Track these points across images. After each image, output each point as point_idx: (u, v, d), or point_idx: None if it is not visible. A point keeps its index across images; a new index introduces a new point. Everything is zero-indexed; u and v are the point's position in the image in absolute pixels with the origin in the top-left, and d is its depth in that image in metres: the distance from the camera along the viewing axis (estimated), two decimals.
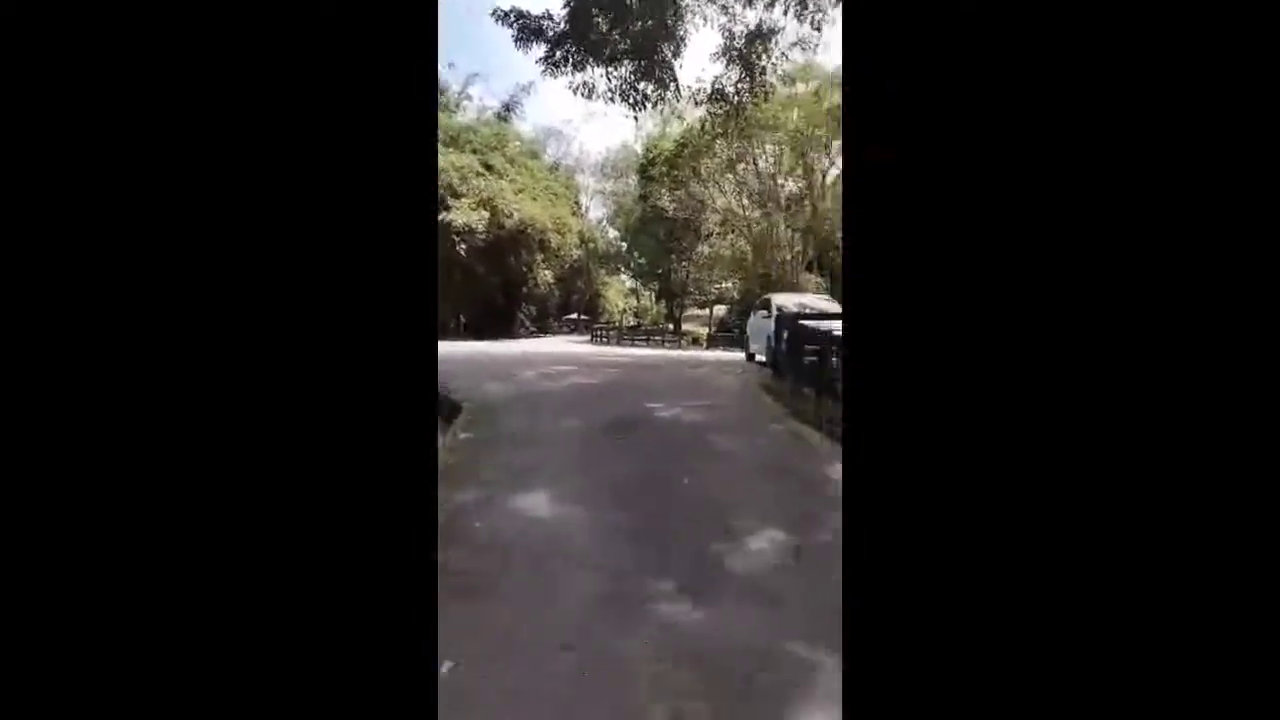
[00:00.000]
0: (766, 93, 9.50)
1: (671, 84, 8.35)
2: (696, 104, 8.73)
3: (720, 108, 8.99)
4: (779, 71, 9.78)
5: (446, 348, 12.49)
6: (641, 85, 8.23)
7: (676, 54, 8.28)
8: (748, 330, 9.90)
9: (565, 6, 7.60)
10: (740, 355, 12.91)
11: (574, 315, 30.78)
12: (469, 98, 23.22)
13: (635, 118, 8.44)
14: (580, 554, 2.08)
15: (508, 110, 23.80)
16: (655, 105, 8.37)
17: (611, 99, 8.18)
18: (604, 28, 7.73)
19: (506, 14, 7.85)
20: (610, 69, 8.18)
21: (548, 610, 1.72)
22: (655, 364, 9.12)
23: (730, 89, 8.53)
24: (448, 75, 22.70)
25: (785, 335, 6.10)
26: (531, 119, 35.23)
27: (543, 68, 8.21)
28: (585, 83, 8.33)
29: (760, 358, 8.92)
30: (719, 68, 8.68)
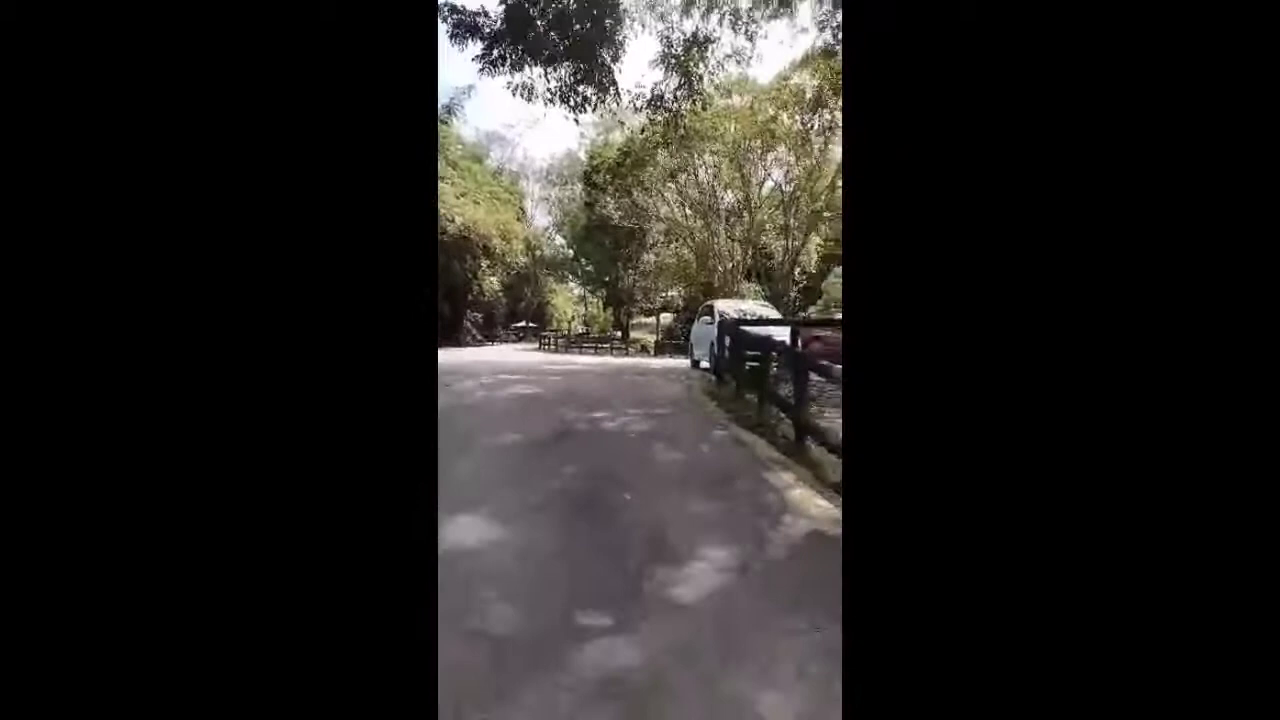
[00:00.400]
0: (704, 102, 9.59)
1: (611, 88, 8.23)
2: (636, 109, 8.66)
3: (660, 114, 8.96)
4: (715, 81, 9.93)
5: None
6: (581, 88, 8.07)
7: (615, 59, 8.18)
8: (691, 337, 9.88)
9: (501, 4, 7.35)
10: (686, 362, 12.97)
11: (522, 323, 30.10)
12: None
13: (576, 120, 8.26)
14: (508, 584, 1.85)
15: (447, 112, 22.87)
16: (595, 109, 8.22)
17: (551, 100, 7.97)
18: (542, 28, 7.52)
19: (440, 8, 7.51)
20: (549, 69, 7.98)
21: (469, 653, 1.48)
22: (602, 371, 8.91)
23: (669, 95, 8.52)
24: None
25: (727, 341, 6.06)
26: (473, 122, 34.34)
27: (480, 66, 7.91)
28: (524, 84, 8.09)
29: (704, 364, 8.91)
30: (658, 74, 8.68)
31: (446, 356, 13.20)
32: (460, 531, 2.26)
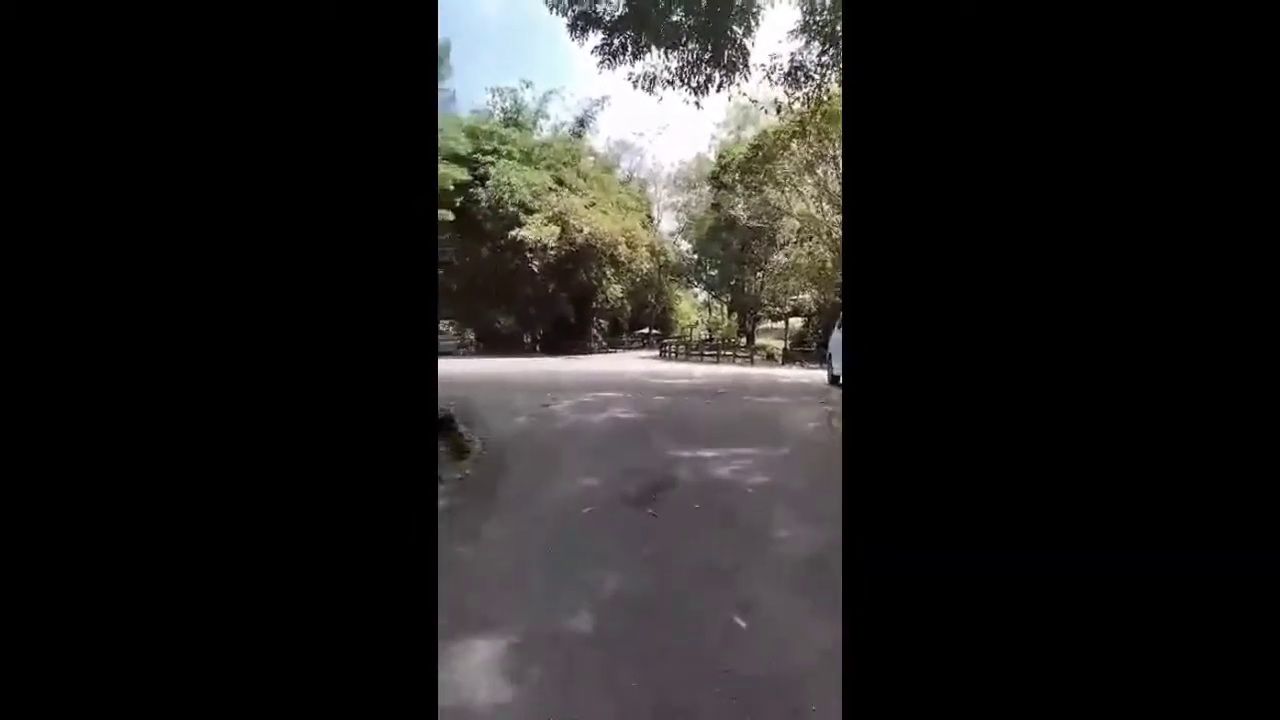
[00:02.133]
0: None
1: (741, 64, 7.05)
2: (772, 82, 7.34)
3: (799, 89, 7.54)
4: None
5: (501, 365, 11.78)
6: (706, 67, 7.01)
7: (748, 33, 6.99)
8: (830, 348, 8.20)
9: None
10: (820, 374, 11.12)
11: (645, 330, 29.89)
12: (545, 115, 23.05)
13: (698, 104, 7.19)
14: None
15: (581, 125, 23.44)
16: (721, 88, 7.09)
17: (672, 83, 7.00)
18: (664, 4, 6.61)
19: (558, 2, 6.99)
20: (671, 52, 7.04)
21: None
22: (720, 387, 7.70)
23: (810, 64, 7.07)
24: (524, 94, 22.70)
25: None
26: (605, 132, 35.14)
27: (600, 58, 7.25)
28: (646, 73, 7.26)
29: (840, 377, 7.28)
30: (797, 44, 7.29)
31: (566, 365, 12.90)
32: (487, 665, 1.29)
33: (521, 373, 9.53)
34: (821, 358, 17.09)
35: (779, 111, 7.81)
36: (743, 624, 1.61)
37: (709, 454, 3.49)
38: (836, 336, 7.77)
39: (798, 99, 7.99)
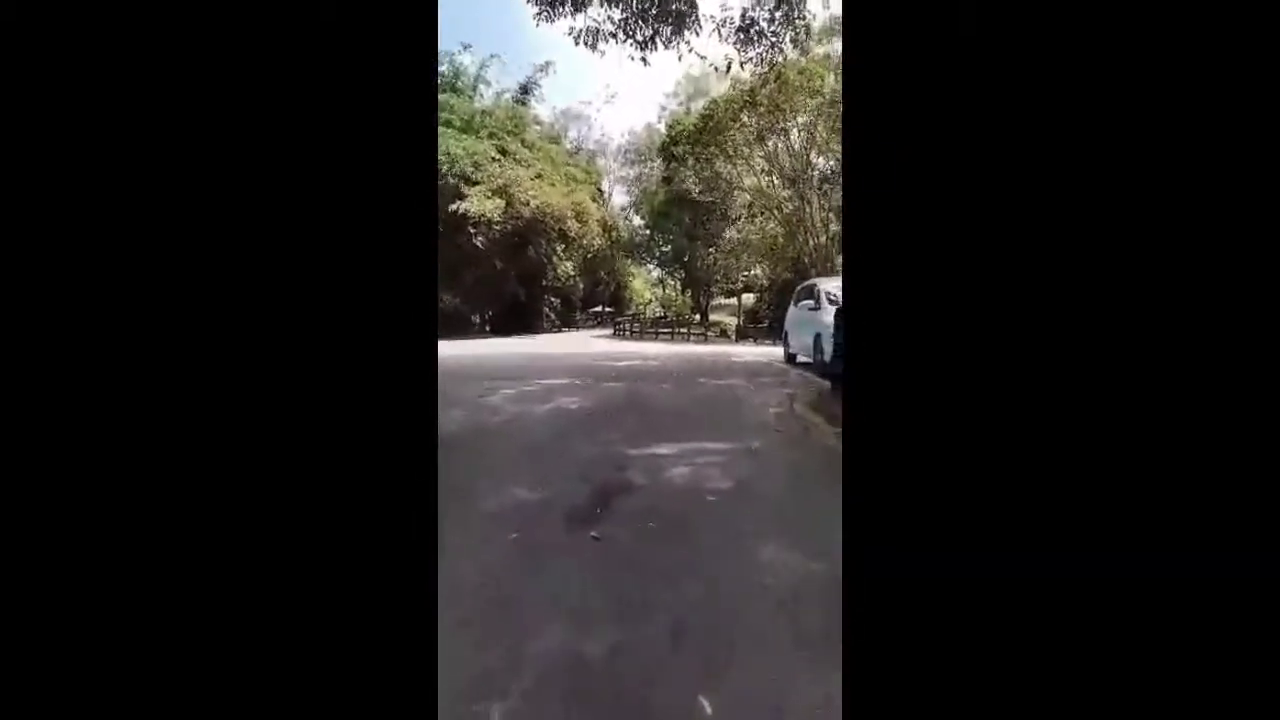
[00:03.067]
0: (807, 28, 7.51)
1: (691, 20, 6.45)
2: (721, 37, 6.78)
3: (751, 49, 7.02)
4: (813, 19, 7.92)
5: (445, 349, 10.87)
6: (654, 21, 6.36)
7: None
8: (786, 324, 7.93)
9: None
10: (776, 351, 10.93)
11: (599, 308, 29.18)
12: (486, 81, 21.46)
13: (644, 59, 6.55)
14: None
15: (525, 93, 22.02)
16: (671, 44, 6.48)
17: (615, 35, 6.33)
18: None
19: None
20: (615, 4, 6.34)
21: None
22: (675, 368, 7.30)
23: (764, 20, 6.55)
24: (464, 58, 21.03)
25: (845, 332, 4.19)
26: (551, 100, 33.15)
27: (538, 9, 6.46)
28: (589, 27, 6.52)
29: (803, 357, 7.01)
30: (749, 0, 6.74)
31: (515, 347, 12.15)
32: None
33: (464, 356, 8.77)
34: (777, 334, 17.14)
35: (728, 70, 7.26)
36: (708, 708, 1.17)
37: (665, 451, 3.05)
38: (792, 313, 7.49)
39: (750, 59, 7.48)
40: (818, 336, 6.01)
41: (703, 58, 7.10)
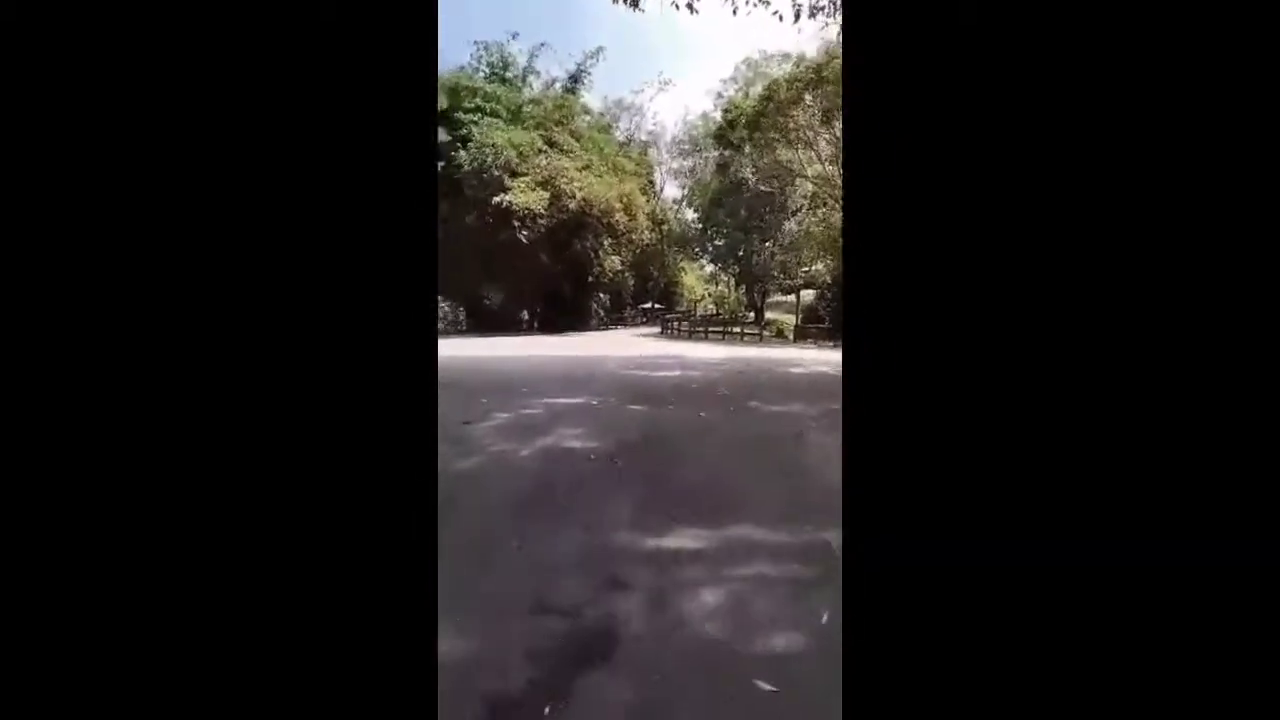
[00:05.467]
0: None
1: None
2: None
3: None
4: None
5: (477, 347, 9.69)
6: None
7: None
8: None
9: None
10: (839, 355, 9.31)
11: (649, 304, 28.04)
12: (535, 71, 20.71)
13: (691, 6, 5.26)
14: None
15: (575, 81, 21.09)
16: None
17: None
18: None
19: None
20: None
21: None
22: (722, 381, 5.98)
23: None
24: (513, 47, 20.37)
25: None
26: (602, 90, 31.88)
27: None
28: None
29: None
30: None
31: (550, 349, 11.13)
32: None
33: (486, 359, 7.85)
34: (839, 336, 15.12)
35: (796, 19, 5.84)
36: None
37: (689, 545, 1.82)
38: None
39: (821, 7, 6.03)
40: None
41: (764, 2, 5.73)
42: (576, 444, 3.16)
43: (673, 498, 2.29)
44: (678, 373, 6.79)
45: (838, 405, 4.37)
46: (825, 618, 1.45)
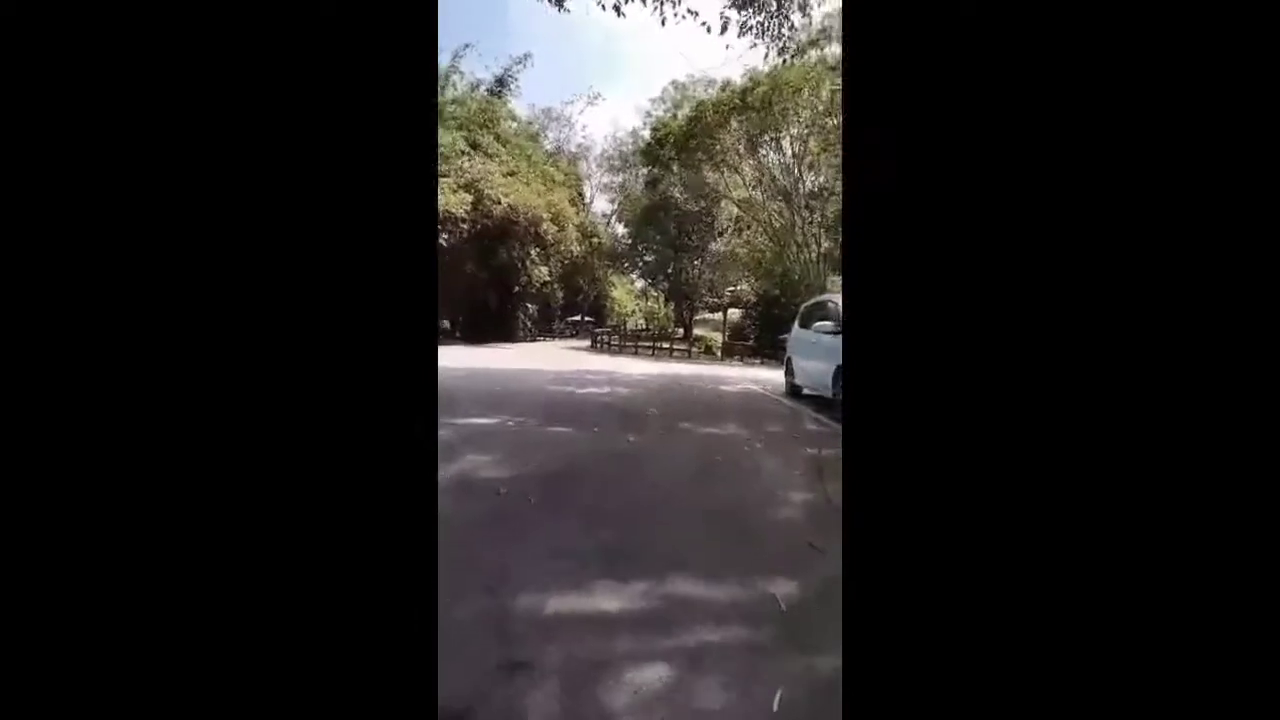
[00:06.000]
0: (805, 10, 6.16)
1: None
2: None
3: (751, 12, 5.62)
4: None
5: None
6: None
7: None
8: (790, 349, 6.43)
9: None
10: (767, 375, 9.42)
11: (578, 317, 27.56)
12: (459, 72, 19.82)
13: (618, 9, 5.06)
14: None
15: (501, 85, 20.45)
16: None
17: None
18: None
19: None
20: None
21: None
22: (653, 400, 5.71)
23: None
24: None
25: None
26: (530, 97, 31.21)
27: None
28: None
29: (810, 389, 5.51)
30: None
31: (461, 360, 10.39)
32: None
33: None
34: (763, 354, 15.67)
35: (723, 31, 5.83)
36: None
37: (614, 614, 1.45)
38: (799, 337, 5.97)
39: (750, 29, 6.09)
40: (839, 369, 4.53)
41: (693, 14, 5.66)
42: (486, 474, 2.70)
43: (594, 543, 1.91)
44: (606, 389, 6.42)
45: (773, 426, 4.23)
46: (778, 701, 1.14)
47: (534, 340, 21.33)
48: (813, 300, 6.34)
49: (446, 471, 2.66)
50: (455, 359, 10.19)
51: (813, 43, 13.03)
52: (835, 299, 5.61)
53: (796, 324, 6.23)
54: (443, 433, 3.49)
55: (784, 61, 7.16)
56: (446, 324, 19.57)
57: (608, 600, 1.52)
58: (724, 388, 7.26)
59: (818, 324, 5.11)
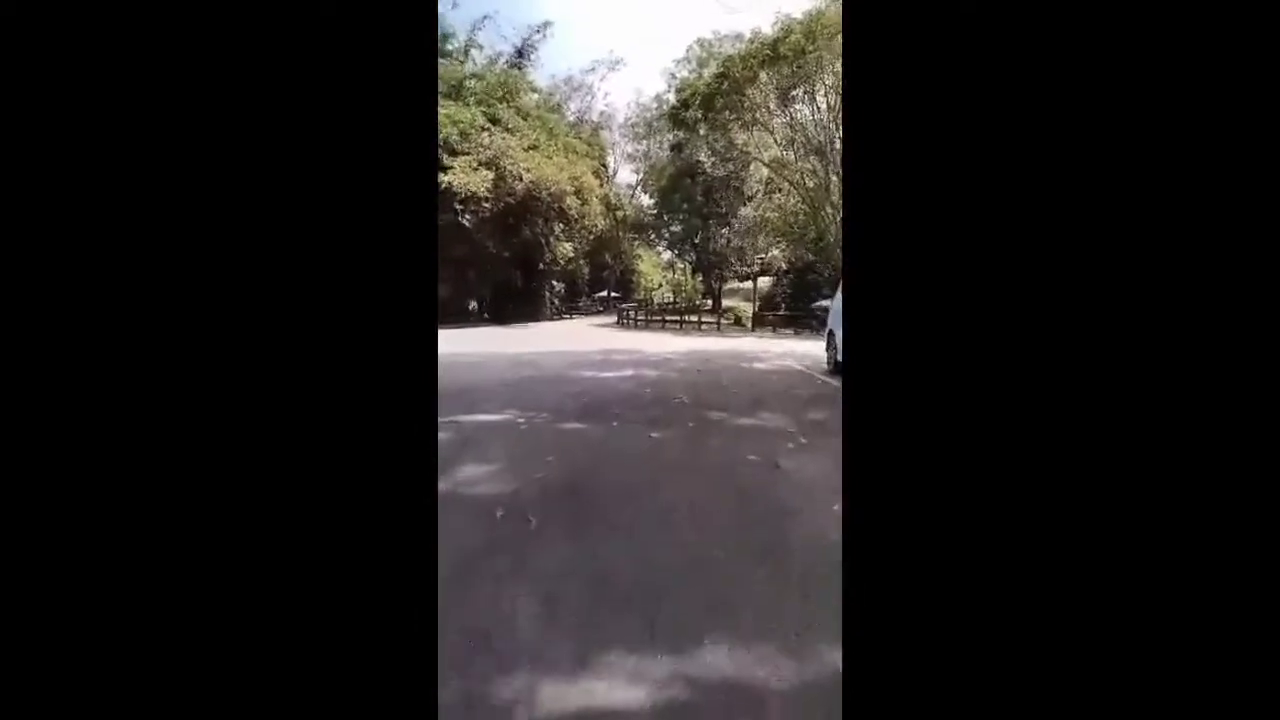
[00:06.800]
0: None
1: None
2: None
3: None
4: None
5: None
6: None
7: None
8: (831, 321, 5.78)
9: None
10: (800, 347, 8.73)
11: (605, 292, 27.07)
12: (478, 45, 19.10)
13: None
14: None
15: (520, 56, 19.63)
16: None
17: None
18: None
19: None
20: None
21: None
22: (677, 385, 5.22)
23: None
24: (452, 18, 18.72)
25: None
26: (550, 67, 29.82)
27: None
28: None
29: None
30: None
31: (476, 343, 10.08)
32: None
33: None
34: (796, 323, 14.84)
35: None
36: None
37: (626, 712, 1.01)
38: (838, 305, 5.34)
39: None
40: None
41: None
42: (484, 489, 2.29)
43: (604, 592, 1.46)
44: (630, 373, 5.94)
45: (816, 413, 3.63)
46: None
47: (560, 318, 21.03)
48: None
49: (440, 486, 2.26)
50: (474, 342, 9.90)
51: None
52: None
53: (839, 292, 5.55)
54: (444, 434, 3.09)
55: None
56: (474, 305, 19.45)
57: (615, 684, 1.07)
58: (758, 365, 6.68)
59: None
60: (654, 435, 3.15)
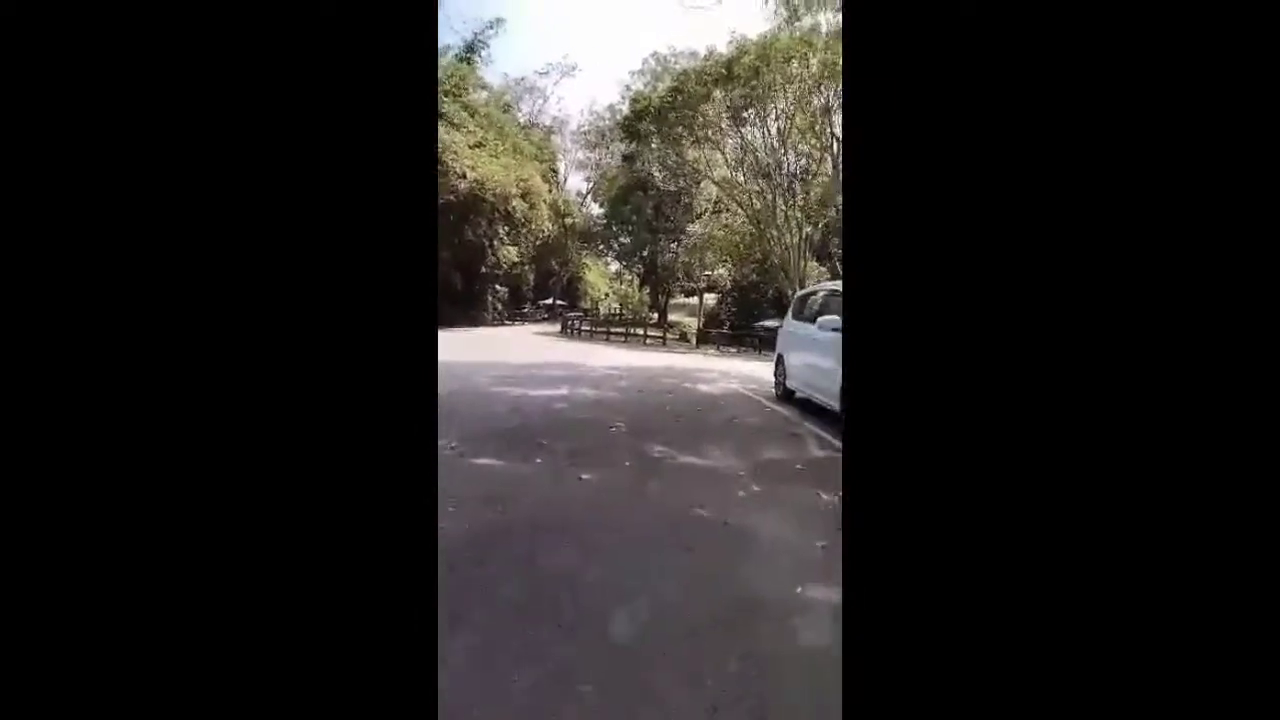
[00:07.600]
0: None
1: None
2: None
3: None
4: None
5: None
6: None
7: None
8: (781, 345, 5.51)
9: None
10: (746, 368, 8.49)
11: (550, 300, 26.25)
12: None
13: None
14: None
15: (471, 51, 18.74)
16: None
17: None
18: None
19: None
20: None
21: None
22: (618, 407, 4.72)
23: None
24: None
25: None
26: (501, 66, 28.85)
27: None
28: None
29: (804, 392, 4.63)
30: None
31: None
32: None
33: None
34: (739, 342, 14.84)
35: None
36: None
37: None
38: (792, 330, 5.04)
39: None
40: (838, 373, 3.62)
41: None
42: None
43: None
44: (564, 390, 5.40)
45: (771, 451, 3.15)
46: None
47: (503, 324, 20.06)
48: (807, 292, 5.40)
49: None
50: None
51: (806, 9, 11.98)
52: (828, 287, 4.69)
53: (790, 316, 5.30)
54: None
55: (784, 22, 6.12)
56: None
57: None
58: (703, 388, 6.31)
59: (824, 318, 4.15)
60: (584, 477, 2.64)
